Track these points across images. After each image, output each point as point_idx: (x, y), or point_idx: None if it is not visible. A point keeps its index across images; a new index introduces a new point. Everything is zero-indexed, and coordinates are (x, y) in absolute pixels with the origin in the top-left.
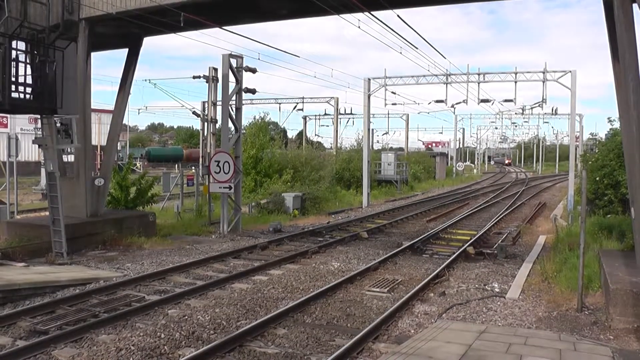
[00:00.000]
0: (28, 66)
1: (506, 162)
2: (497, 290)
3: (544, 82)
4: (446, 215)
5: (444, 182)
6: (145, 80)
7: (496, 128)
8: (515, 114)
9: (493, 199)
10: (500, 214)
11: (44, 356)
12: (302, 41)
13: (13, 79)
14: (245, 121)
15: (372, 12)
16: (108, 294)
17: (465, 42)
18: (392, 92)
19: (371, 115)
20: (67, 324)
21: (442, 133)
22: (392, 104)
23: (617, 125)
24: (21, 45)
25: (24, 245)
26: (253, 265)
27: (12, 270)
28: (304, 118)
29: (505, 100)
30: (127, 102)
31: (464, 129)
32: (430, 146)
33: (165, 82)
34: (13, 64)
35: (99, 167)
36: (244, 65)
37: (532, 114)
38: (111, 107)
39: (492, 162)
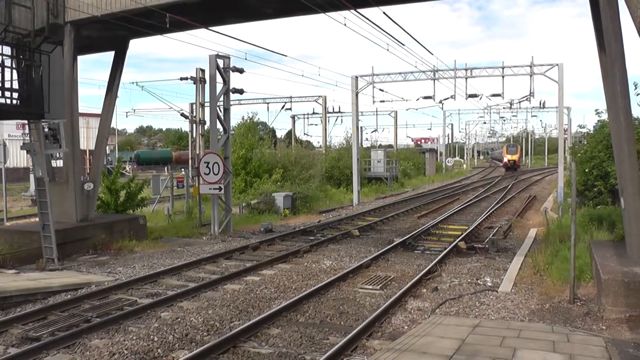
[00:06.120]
0: (14, 71)
1: (505, 160)
2: (489, 284)
3: (531, 75)
4: (437, 211)
5: (434, 178)
6: (133, 82)
7: (485, 123)
8: (504, 108)
9: (483, 194)
10: (491, 208)
11: None
12: (289, 41)
13: None
14: (234, 122)
15: (358, 10)
16: (100, 298)
17: (454, 38)
18: (380, 90)
19: (360, 113)
20: (60, 330)
21: (430, 129)
22: (380, 101)
23: (604, 116)
24: (6, 50)
25: (14, 252)
26: (245, 266)
27: (3, 277)
28: (293, 117)
29: (493, 95)
30: (115, 105)
31: (452, 124)
32: (419, 142)
33: (152, 85)
34: None
35: (88, 171)
36: (231, 66)
37: (520, 108)
38: (99, 111)
39: (481, 157)
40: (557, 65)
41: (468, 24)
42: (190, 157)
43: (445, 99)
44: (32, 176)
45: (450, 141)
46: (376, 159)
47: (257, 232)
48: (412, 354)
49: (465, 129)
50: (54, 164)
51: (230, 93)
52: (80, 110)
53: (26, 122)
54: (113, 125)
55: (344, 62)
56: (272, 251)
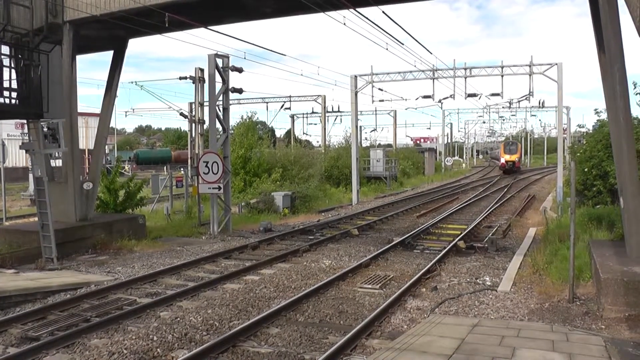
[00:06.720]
0: (13, 70)
1: (502, 161)
2: (488, 283)
3: (530, 75)
4: (436, 210)
5: (433, 178)
6: (132, 82)
7: (484, 122)
8: (503, 107)
9: (482, 193)
10: (490, 208)
11: None
12: (288, 40)
13: None
14: (233, 121)
15: (357, 9)
16: (99, 298)
17: (454, 37)
18: (379, 89)
19: (359, 113)
20: (59, 330)
21: (430, 129)
22: (380, 101)
23: (604, 116)
24: (5, 49)
25: (14, 252)
26: (244, 265)
27: (2, 277)
28: (292, 117)
29: (492, 94)
30: (114, 105)
31: (451, 124)
32: (418, 142)
33: (151, 84)
34: None
35: (87, 171)
36: (230, 65)
37: (519, 107)
38: (98, 111)
39: (480, 157)
40: (557, 64)
41: (467, 22)
42: (189, 156)
43: (444, 99)
44: (31, 176)
45: (449, 140)
46: (375, 158)
47: (256, 231)
48: (411, 354)
49: (465, 128)
50: (53, 163)
51: (230, 92)
52: (79, 110)
53: (25, 121)
54: (112, 124)
55: (343, 61)
56: (272, 250)
